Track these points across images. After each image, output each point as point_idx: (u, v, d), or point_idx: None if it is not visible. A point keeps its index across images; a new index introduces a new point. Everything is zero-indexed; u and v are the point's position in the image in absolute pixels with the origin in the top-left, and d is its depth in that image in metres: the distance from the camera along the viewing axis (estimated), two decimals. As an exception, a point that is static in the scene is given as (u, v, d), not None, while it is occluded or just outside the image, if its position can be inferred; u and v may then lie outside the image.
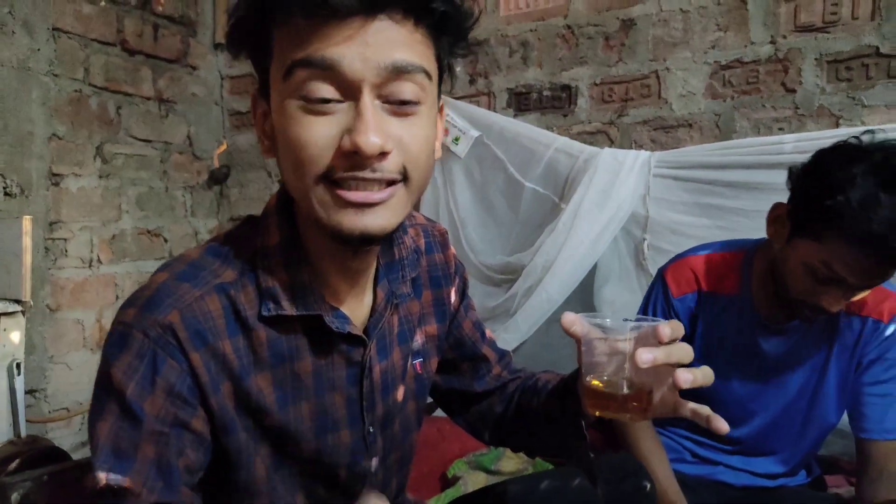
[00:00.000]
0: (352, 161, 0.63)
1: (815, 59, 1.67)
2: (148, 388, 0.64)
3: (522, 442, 0.98)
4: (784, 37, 1.71)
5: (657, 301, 1.33)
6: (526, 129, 2.04)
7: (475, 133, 2.11)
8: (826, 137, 1.59)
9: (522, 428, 0.94)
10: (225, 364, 0.68)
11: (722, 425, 0.69)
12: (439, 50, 0.69)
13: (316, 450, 0.75)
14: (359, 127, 0.62)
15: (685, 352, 0.68)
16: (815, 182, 1.07)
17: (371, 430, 0.79)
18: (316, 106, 0.63)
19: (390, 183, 0.65)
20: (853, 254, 1.02)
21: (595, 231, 1.83)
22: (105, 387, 0.65)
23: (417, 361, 0.86)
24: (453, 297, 0.92)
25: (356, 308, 0.78)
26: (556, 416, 0.86)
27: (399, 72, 0.63)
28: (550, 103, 2.07)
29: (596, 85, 1.99)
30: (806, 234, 1.09)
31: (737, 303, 1.25)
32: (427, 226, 0.92)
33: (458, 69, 2.20)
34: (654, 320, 0.69)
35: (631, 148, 1.92)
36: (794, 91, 1.71)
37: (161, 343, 0.64)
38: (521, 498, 0.97)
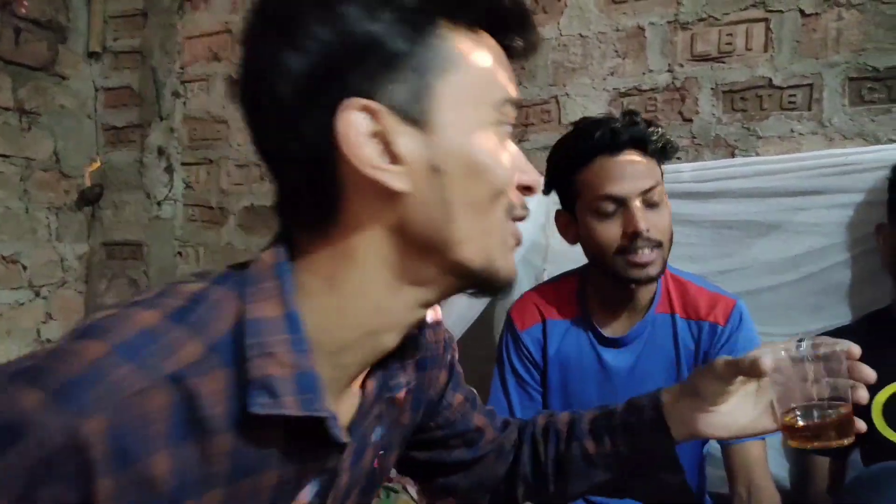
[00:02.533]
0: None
1: (712, 88, 1.66)
2: None
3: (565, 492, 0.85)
4: (681, 65, 1.69)
5: (507, 340, 1.36)
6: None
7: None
8: (722, 167, 1.58)
9: (564, 477, 0.84)
10: (152, 489, 0.47)
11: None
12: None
13: None
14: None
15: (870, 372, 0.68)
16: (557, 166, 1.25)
17: None
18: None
19: None
20: (603, 166, 1.16)
21: (495, 261, 1.74)
22: None
23: (379, 454, 0.69)
24: (440, 380, 0.79)
25: (343, 403, 0.60)
26: (634, 454, 0.80)
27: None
28: (450, 126, 1.98)
29: (496, 108, 1.91)
30: (569, 200, 1.24)
31: (578, 324, 1.31)
32: None
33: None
34: (833, 341, 0.69)
35: (531, 174, 1.85)
36: (690, 120, 1.69)
37: (60, 460, 0.43)
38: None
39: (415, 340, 0.64)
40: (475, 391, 0.88)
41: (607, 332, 1.28)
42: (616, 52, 1.76)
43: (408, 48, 0.51)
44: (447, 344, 0.81)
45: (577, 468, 0.83)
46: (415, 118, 0.52)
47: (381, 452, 0.70)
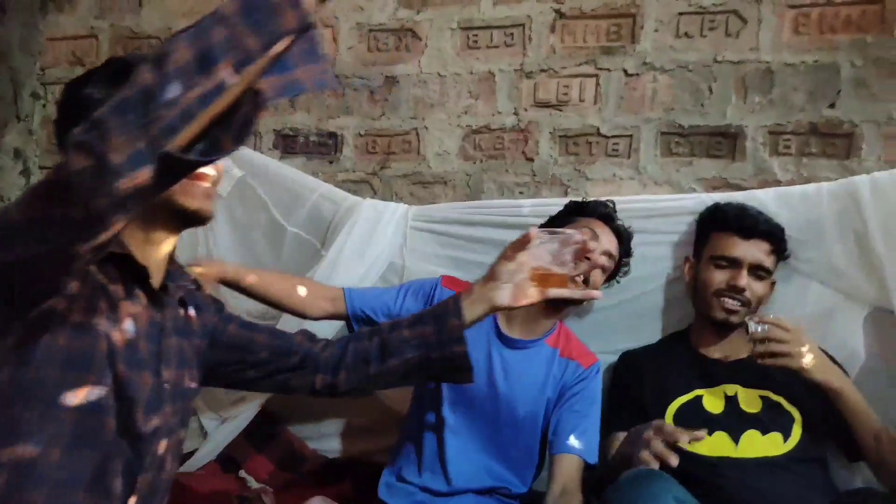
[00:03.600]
0: None
1: (550, 132, 1.87)
2: None
3: (386, 378, 1.16)
4: (525, 110, 1.89)
5: (424, 283, 1.68)
6: (291, 172, 2.02)
7: (238, 172, 2.05)
8: (556, 204, 1.79)
9: (386, 356, 1.13)
10: None
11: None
12: None
13: None
14: None
15: None
16: None
17: None
18: None
19: None
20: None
21: (354, 279, 1.85)
22: None
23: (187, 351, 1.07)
24: (213, 320, 1.15)
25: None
26: (437, 334, 1.10)
27: None
28: (317, 149, 2.08)
29: (361, 136, 2.04)
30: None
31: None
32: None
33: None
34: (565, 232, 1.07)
35: (392, 199, 1.99)
36: (532, 160, 1.89)
37: None
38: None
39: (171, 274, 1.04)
40: (257, 324, 1.22)
41: (508, 331, 1.59)
42: (470, 92, 1.93)
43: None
44: (217, 303, 1.19)
45: (396, 348, 1.12)
46: None
47: (187, 353, 1.05)
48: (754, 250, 1.55)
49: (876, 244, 1.55)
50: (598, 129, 1.84)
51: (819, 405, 1.45)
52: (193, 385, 1.08)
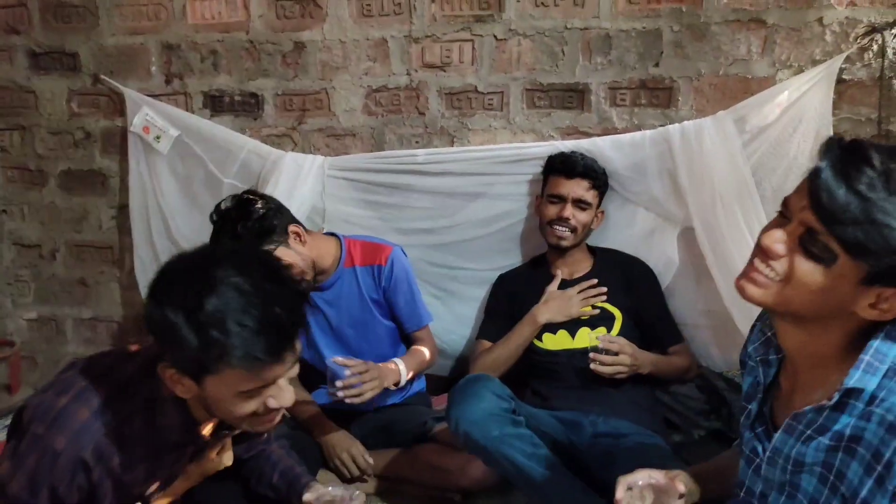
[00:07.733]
0: None
1: (437, 90, 2.23)
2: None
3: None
4: (416, 70, 2.23)
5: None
6: (221, 130, 2.36)
7: (175, 132, 2.38)
8: (445, 153, 2.19)
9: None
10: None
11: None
12: None
13: None
14: None
15: None
16: None
17: None
18: None
19: None
20: None
21: (284, 222, 2.26)
22: None
23: None
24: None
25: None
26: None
27: None
28: (242, 107, 2.40)
29: (279, 95, 2.35)
30: None
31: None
32: None
33: (153, 69, 2.40)
34: None
35: (311, 150, 2.35)
36: (424, 114, 2.25)
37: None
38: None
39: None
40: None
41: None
42: (368, 56, 2.25)
43: (198, 356, 1.05)
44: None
45: (265, 484, 1.50)
46: (194, 377, 1.10)
47: None
48: (575, 187, 2.00)
49: (682, 180, 2.02)
50: (475, 86, 2.20)
51: (633, 308, 1.97)
52: None
